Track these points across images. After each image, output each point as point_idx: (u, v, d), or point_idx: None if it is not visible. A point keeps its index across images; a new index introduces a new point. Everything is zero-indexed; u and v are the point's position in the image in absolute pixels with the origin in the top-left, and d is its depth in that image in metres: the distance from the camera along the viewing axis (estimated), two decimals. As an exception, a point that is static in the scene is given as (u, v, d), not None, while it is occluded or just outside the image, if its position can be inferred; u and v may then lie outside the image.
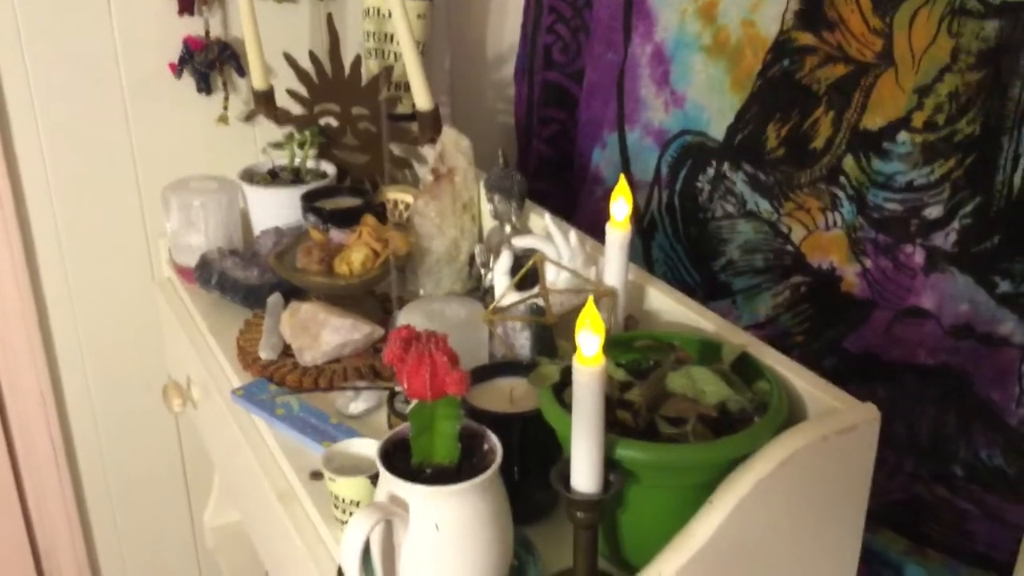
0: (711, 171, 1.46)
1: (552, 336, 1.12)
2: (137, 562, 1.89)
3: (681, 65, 1.48)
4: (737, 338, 1.02)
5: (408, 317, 1.16)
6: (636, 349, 0.99)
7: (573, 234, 1.18)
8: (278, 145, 1.61)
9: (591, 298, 0.81)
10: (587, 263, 1.17)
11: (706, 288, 1.51)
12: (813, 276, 1.36)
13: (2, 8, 1.51)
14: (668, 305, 1.15)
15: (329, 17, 1.51)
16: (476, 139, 1.44)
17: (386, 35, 1.56)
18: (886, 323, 1.28)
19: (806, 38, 1.28)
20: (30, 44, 1.54)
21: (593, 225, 1.37)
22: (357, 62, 1.48)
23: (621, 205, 1.05)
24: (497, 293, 1.18)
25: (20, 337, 1.66)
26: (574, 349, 0.78)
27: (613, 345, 0.97)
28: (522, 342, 1.16)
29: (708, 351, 0.98)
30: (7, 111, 1.56)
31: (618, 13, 1.58)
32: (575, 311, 1.12)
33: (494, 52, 1.86)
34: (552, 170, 1.84)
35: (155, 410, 1.66)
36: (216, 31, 1.62)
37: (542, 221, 1.28)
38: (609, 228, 1.06)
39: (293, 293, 1.36)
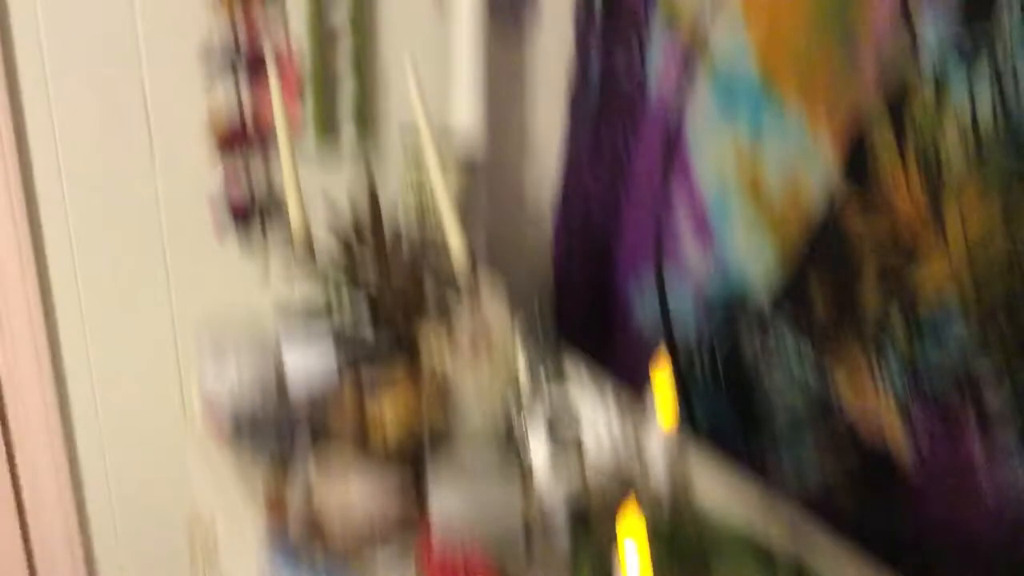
0: (754, 332, 1.43)
1: (592, 520, 1.08)
2: None
3: (723, 229, 1.46)
4: (791, 537, 0.97)
5: (443, 500, 1.12)
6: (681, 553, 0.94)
7: (612, 400, 1.15)
8: (314, 287, 1.60)
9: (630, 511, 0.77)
10: (624, 431, 1.14)
11: (751, 453, 1.46)
12: (864, 446, 1.30)
13: (46, 151, 1.54)
14: (713, 481, 1.11)
15: (368, 173, 1.51)
16: (512, 274, 1.43)
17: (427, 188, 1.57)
18: (941, 500, 1.21)
19: (853, 215, 1.26)
20: (74, 202, 1.57)
21: (630, 367, 1.34)
22: (398, 233, 1.47)
23: (664, 401, 1.01)
24: (536, 465, 1.14)
25: (49, 483, 1.65)
26: (612, 538, 0.74)
27: (655, 537, 0.93)
28: (560, 523, 1.12)
29: (761, 563, 0.93)
30: (48, 269, 1.58)
31: (657, 176, 1.57)
32: (616, 500, 1.08)
33: (532, 199, 1.87)
34: (588, 309, 1.82)
35: (181, 551, 1.63)
36: (259, 186, 1.64)
37: (580, 377, 1.26)
38: (655, 427, 1.02)
39: (323, 441, 1.33)
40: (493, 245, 1.75)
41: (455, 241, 1.39)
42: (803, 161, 1.33)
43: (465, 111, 1.65)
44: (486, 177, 1.69)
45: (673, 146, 1.56)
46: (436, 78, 1.68)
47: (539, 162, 1.84)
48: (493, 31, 1.71)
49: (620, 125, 1.68)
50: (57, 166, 1.55)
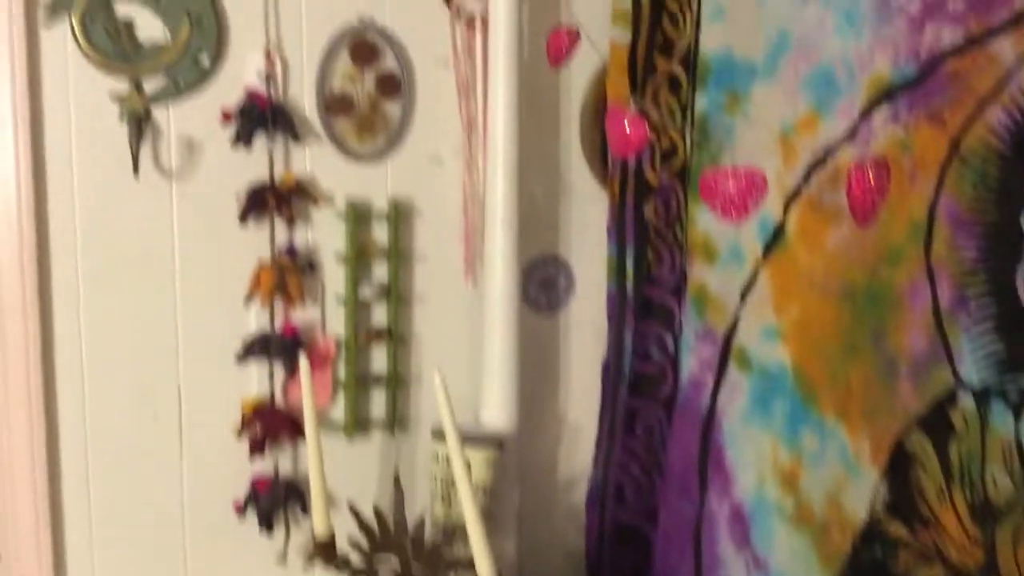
0: (801, 650, 1.33)
1: None
2: None
3: (762, 529, 1.40)
4: None
5: None
6: None
7: None
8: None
9: None
10: None
11: None
12: None
13: (74, 426, 1.55)
14: None
15: (396, 478, 1.50)
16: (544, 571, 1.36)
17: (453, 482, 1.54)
18: None
19: (898, 530, 1.20)
20: (97, 473, 1.57)
21: None
22: (421, 524, 1.44)
23: None
24: None
25: None
26: None
27: None
28: None
29: None
30: (64, 536, 1.56)
31: (693, 464, 1.53)
32: None
33: (565, 477, 1.82)
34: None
35: None
36: (285, 468, 1.63)
37: None
38: None
39: None
40: (523, 535, 1.68)
41: (481, 560, 1.33)
42: (843, 471, 1.28)
43: (497, 395, 1.64)
44: (517, 460, 1.66)
45: (708, 440, 1.52)
46: (469, 362, 1.69)
47: (572, 447, 1.81)
48: (527, 312, 1.73)
49: (655, 413, 1.66)
50: (84, 435, 1.57)
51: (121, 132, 1.53)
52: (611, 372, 1.72)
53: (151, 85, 1.55)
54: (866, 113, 1.32)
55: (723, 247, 1.56)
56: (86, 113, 1.54)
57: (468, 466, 1.40)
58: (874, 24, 1.29)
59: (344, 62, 1.65)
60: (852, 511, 1.26)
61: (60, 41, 1.51)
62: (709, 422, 1.52)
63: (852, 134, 1.34)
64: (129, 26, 1.54)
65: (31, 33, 1.49)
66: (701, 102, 1.60)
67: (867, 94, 1.32)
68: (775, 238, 1.46)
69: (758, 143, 1.50)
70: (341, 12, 1.64)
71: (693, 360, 1.58)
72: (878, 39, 1.29)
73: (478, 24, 1.67)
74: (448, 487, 1.54)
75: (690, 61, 1.62)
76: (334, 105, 1.65)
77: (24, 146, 1.51)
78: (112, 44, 1.53)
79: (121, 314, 1.57)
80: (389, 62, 1.68)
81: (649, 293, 1.67)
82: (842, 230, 1.34)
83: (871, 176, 1.18)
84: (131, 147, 1.54)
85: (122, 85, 1.54)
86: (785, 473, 1.37)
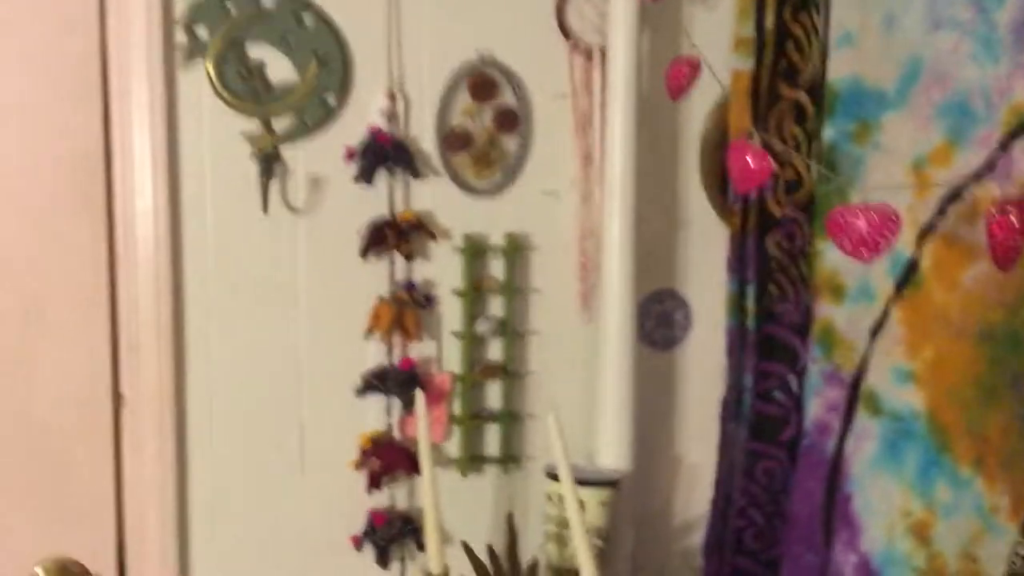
0: None
1: None
2: None
3: (891, 582, 1.32)
4: None
5: None
6: None
7: None
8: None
9: None
10: None
11: None
12: None
13: (202, 451, 1.60)
14: None
15: (509, 517, 1.49)
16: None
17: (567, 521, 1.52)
18: None
19: (1043, 594, 1.11)
20: (222, 518, 1.62)
21: None
22: (534, 565, 1.42)
23: None
24: None
25: None
26: None
27: None
28: None
29: None
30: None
31: (817, 512, 1.46)
32: None
33: (681, 521, 1.77)
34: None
35: None
36: (401, 502, 1.64)
37: None
38: None
39: None
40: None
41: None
42: (980, 525, 1.20)
43: (612, 433, 1.61)
44: (632, 502, 1.62)
45: (834, 487, 1.45)
46: (584, 399, 1.66)
47: (689, 489, 1.76)
48: (643, 349, 1.69)
49: (777, 457, 1.59)
50: (212, 465, 1.61)
51: (252, 170, 1.58)
52: (730, 412, 1.66)
53: (280, 124, 1.60)
54: (1006, 144, 1.25)
55: (852, 283, 1.49)
56: (219, 152, 1.59)
57: (582, 506, 1.38)
58: (1013, 50, 1.21)
59: (463, 98, 1.67)
60: (989, 568, 1.17)
61: (196, 83, 1.57)
62: (835, 468, 1.45)
63: (991, 166, 1.26)
64: (260, 67, 1.59)
65: (169, 75, 1.56)
66: (828, 132, 1.54)
67: (1007, 124, 1.24)
68: (908, 275, 1.39)
69: (889, 174, 1.43)
70: (461, 49, 1.65)
71: (818, 402, 1.51)
72: (1018, 66, 1.21)
73: (596, 57, 1.67)
74: (561, 527, 1.52)
75: (816, 89, 1.56)
76: (453, 141, 1.67)
77: (162, 184, 1.57)
78: (244, 85, 1.58)
79: (248, 347, 1.61)
80: (507, 97, 1.68)
81: (771, 330, 1.61)
82: (980, 267, 1.26)
83: (1014, 218, 1.10)
84: (261, 184, 1.59)
85: (253, 125, 1.59)
86: (917, 525, 1.29)
